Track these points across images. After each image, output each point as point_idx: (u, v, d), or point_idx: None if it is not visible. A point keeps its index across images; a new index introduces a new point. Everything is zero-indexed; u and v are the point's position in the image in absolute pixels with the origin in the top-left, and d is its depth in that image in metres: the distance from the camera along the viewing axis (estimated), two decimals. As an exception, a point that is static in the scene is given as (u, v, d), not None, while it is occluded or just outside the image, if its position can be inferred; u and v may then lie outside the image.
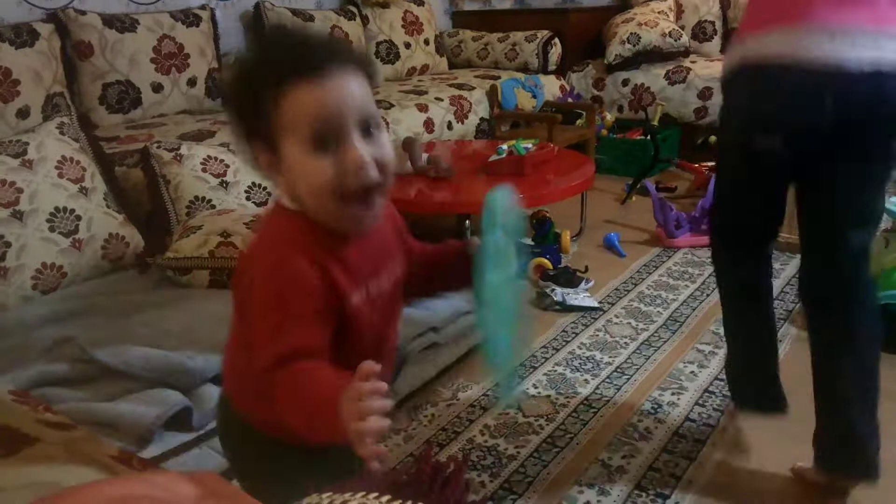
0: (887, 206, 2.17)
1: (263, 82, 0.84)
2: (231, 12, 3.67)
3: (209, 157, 2.43)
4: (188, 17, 3.27)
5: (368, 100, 0.87)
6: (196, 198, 2.35)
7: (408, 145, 2.92)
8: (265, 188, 2.47)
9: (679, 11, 4.43)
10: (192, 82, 3.24)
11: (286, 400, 0.82)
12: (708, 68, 3.94)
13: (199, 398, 1.49)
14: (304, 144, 0.84)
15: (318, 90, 0.83)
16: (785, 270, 2.73)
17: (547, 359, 2.20)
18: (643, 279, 2.71)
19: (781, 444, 1.77)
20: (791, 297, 2.53)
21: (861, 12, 1.33)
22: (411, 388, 1.99)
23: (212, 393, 1.51)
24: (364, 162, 0.84)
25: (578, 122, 4.05)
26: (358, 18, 4.07)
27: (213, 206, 2.33)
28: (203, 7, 3.40)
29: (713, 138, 4.00)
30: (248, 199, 2.41)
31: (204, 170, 2.40)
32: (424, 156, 2.86)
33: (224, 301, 1.81)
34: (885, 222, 2.30)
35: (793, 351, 2.20)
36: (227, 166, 2.43)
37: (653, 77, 4.09)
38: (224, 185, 2.40)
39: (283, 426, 0.83)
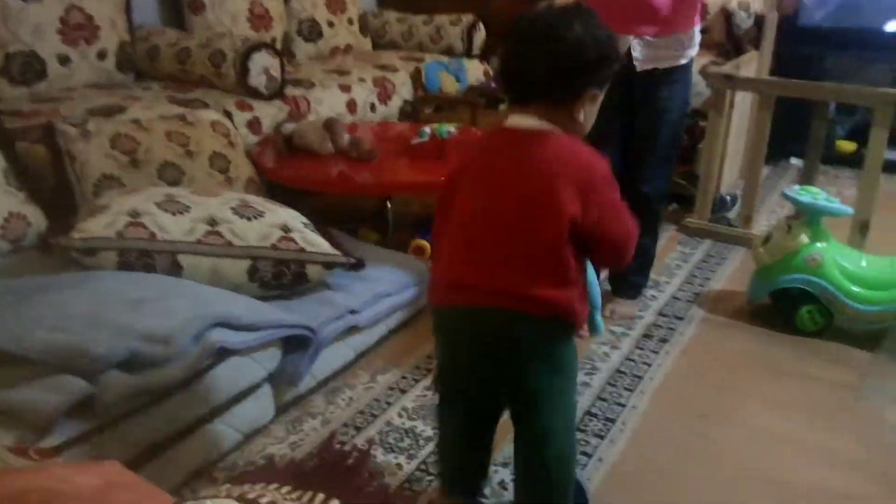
0: (788, 193, 2.28)
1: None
2: (144, -17, 3.51)
3: (119, 133, 2.33)
4: (98, -13, 3.11)
5: None
6: (104, 176, 2.25)
7: (330, 125, 2.87)
8: (179, 167, 2.38)
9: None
10: (101, 55, 3.09)
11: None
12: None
13: (103, 385, 1.43)
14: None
15: None
16: (695, 254, 2.83)
17: (466, 341, 2.22)
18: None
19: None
20: (700, 280, 2.62)
21: None
22: (330, 371, 1.98)
23: (117, 379, 1.45)
24: None
25: (501, 106, 4.07)
26: (280, -6, 3.96)
27: (123, 185, 2.24)
28: (114, -24, 3.24)
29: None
30: (160, 177, 2.32)
31: (113, 147, 2.30)
32: (346, 136, 2.82)
33: (133, 283, 1.76)
34: (789, 209, 2.41)
35: (698, 333, 2.29)
36: (138, 144, 2.34)
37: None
38: (134, 163, 2.31)
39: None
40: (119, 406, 1.46)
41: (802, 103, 2.86)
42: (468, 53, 4.35)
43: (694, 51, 2.17)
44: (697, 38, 2.17)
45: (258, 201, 2.08)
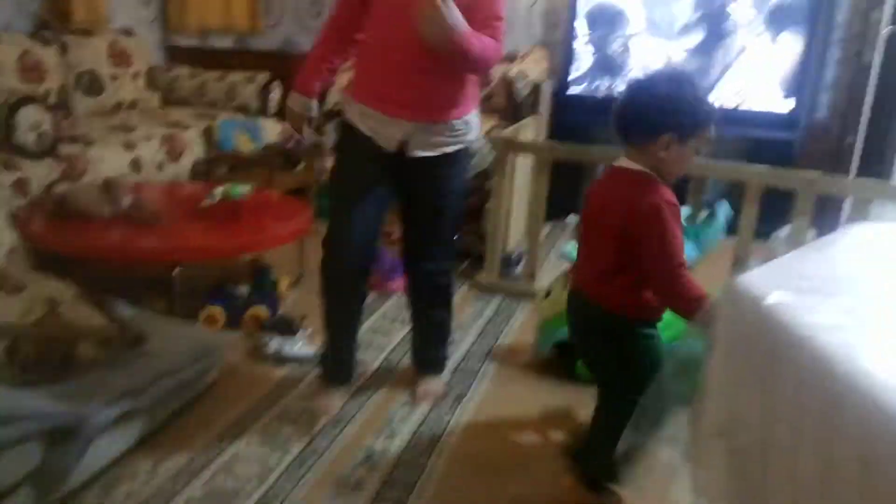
0: (563, 251, 2.46)
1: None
2: None
3: None
4: None
5: None
6: None
7: (108, 186, 2.70)
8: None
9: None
10: None
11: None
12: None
13: None
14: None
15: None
16: (487, 310, 2.95)
17: (261, 415, 2.13)
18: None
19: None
20: (492, 335, 2.74)
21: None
22: (105, 462, 1.80)
23: None
24: None
25: (300, 167, 4.05)
26: (55, 45, 3.69)
27: None
28: None
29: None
30: None
31: None
32: (127, 198, 2.66)
33: None
34: (567, 264, 2.59)
35: (492, 388, 2.37)
36: None
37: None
38: None
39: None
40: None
41: (575, 165, 3.12)
42: (264, 112, 4.30)
43: (473, 134, 2.08)
44: (475, 122, 2.07)
45: (20, 272, 1.88)
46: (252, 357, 2.47)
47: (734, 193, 3.82)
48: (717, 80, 4.06)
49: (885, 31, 3.57)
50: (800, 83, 3.93)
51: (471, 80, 2.00)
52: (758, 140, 4.07)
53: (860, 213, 2.55)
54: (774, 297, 1.06)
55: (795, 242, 2.64)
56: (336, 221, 2.06)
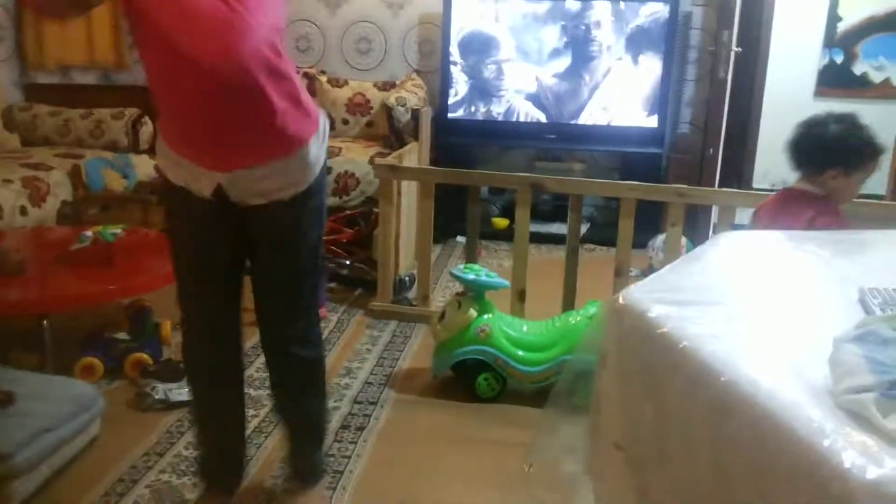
0: (454, 273, 2.49)
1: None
2: None
3: None
4: None
5: None
6: None
7: (-37, 238, 2.49)
8: None
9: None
10: None
11: None
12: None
13: None
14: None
15: None
16: (382, 337, 2.93)
17: (150, 467, 2.02)
18: (252, 361, 2.68)
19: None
20: (389, 361, 2.72)
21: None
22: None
23: None
24: None
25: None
26: None
27: None
28: None
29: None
30: None
31: None
32: (-13, 250, 2.46)
33: None
34: (459, 286, 2.61)
35: (392, 415, 2.35)
36: None
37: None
38: None
39: None
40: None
41: (460, 187, 3.17)
42: (135, 149, 4.12)
43: (319, 166, 1.62)
44: (316, 150, 1.60)
45: None
46: (136, 406, 2.33)
47: (611, 207, 4.01)
48: (587, 100, 4.25)
49: (734, 50, 3.86)
50: (662, 101, 4.18)
51: (292, 103, 1.51)
52: (630, 155, 4.29)
53: (726, 220, 2.72)
54: (656, 311, 1.11)
55: (670, 250, 2.79)
56: (186, 303, 1.71)
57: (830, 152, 1.91)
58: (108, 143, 4.12)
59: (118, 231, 2.76)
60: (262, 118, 1.47)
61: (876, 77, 4.89)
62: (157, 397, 2.33)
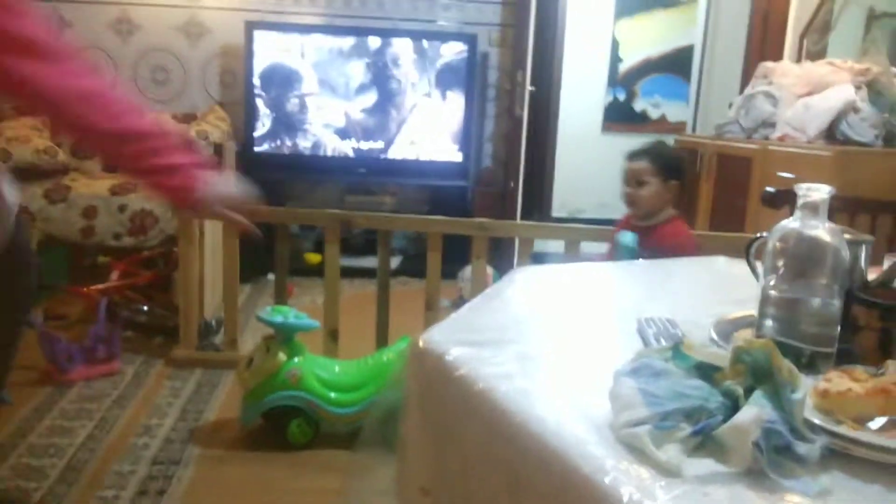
0: (262, 316, 2.39)
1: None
2: None
3: None
4: None
5: None
6: None
7: None
8: None
9: (54, 126, 4.20)
10: None
11: None
12: (90, 186, 3.81)
13: None
14: None
15: None
16: (186, 387, 2.75)
17: None
18: (33, 428, 2.39)
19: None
20: (194, 414, 2.55)
21: None
22: None
23: None
24: None
25: None
26: None
27: None
28: None
29: (102, 258, 3.87)
30: None
31: None
32: None
33: None
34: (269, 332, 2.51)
35: (197, 475, 2.19)
36: None
37: (30, 196, 3.75)
38: None
39: None
40: None
41: (269, 224, 3.07)
42: None
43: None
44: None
45: None
46: None
47: (423, 238, 4.07)
48: (395, 135, 4.32)
49: (528, 88, 4.10)
50: (465, 136, 4.35)
51: None
52: (438, 188, 4.40)
53: (526, 251, 2.86)
54: (454, 353, 1.12)
55: (476, 282, 2.87)
56: None
57: None
58: None
59: None
60: None
61: (653, 113, 5.42)
62: None
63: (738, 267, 1.67)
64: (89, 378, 2.76)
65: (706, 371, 0.93)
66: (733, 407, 0.86)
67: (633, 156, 2.41)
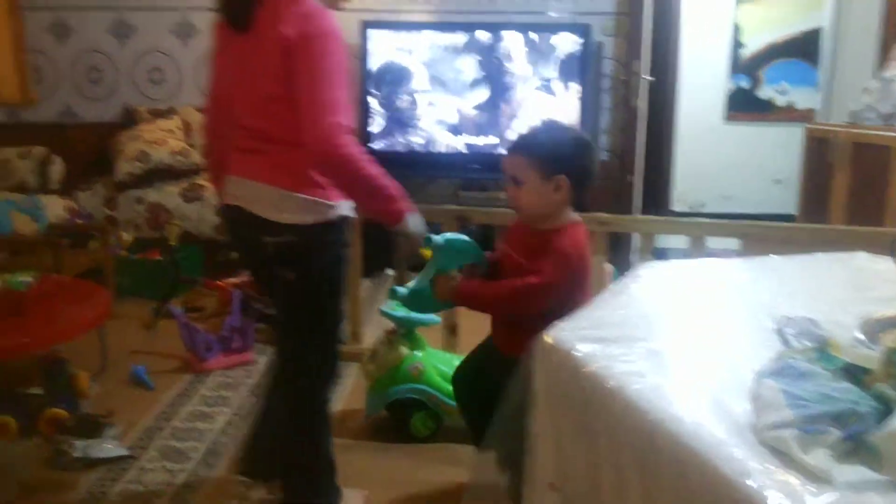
0: (384, 311, 2.46)
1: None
2: None
3: None
4: None
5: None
6: None
7: None
8: None
9: (188, 130, 4.47)
10: None
11: None
12: (223, 185, 4.04)
13: None
14: None
15: None
16: (313, 377, 2.87)
17: (68, 532, 1.91)
18: (176, 412, 2.58)
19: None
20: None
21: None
22: None
23: None
24: None
25: (91, 244, 3.75)
26: None
27: None
28: None
29: (235, 254, 4.08)
30: None
31: None
32: None
33: None
34: (390, 325, 2.59)
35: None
36: None
37: (167, 195, 4.03)
38: None
39: None
40: None
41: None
42: (44, 189, 3.95)
43: None
44: None
45: None
46: (54, 465, 2.21)
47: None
48: (508, 129, 4.32)
49: (645, 78, 4.00)
50: (580, 129, 4.29)
51: None
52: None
53: (648, 246, 2.79)
54: (582, 349, 1.12)
55: (596, 279, 2.83)
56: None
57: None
58: (16, 184, 3.94)
59: (28, 279, 2.62)
60: None
61: (780, 101, 5.16)
62: (75, 455, 2.21)
63: (882, 263, 1.58)
64: (226, 367, 2.94)
65: (855, 373, 0.89)
66: (885, 411, 0.82)
67: (508, 148, 1.91)
